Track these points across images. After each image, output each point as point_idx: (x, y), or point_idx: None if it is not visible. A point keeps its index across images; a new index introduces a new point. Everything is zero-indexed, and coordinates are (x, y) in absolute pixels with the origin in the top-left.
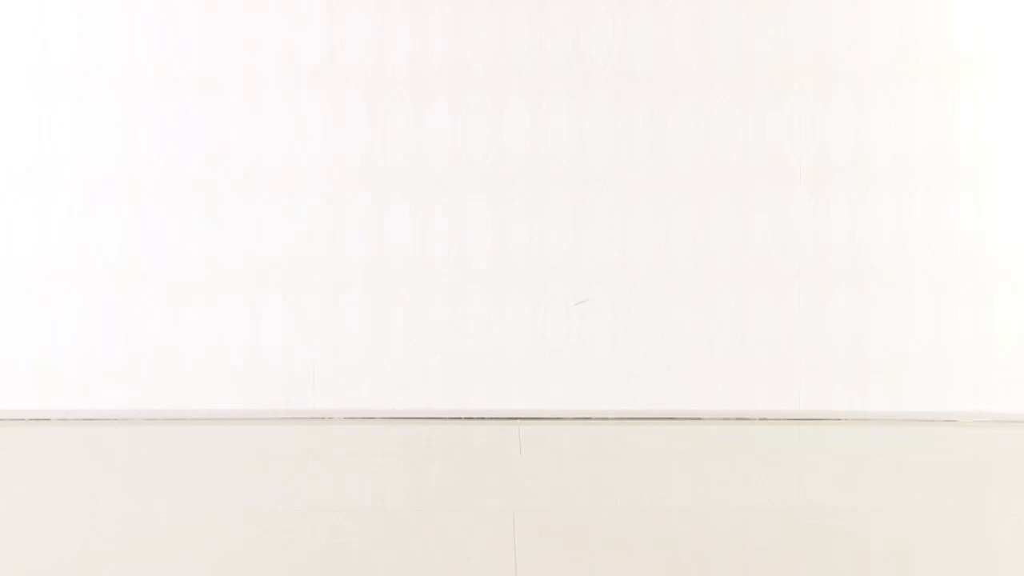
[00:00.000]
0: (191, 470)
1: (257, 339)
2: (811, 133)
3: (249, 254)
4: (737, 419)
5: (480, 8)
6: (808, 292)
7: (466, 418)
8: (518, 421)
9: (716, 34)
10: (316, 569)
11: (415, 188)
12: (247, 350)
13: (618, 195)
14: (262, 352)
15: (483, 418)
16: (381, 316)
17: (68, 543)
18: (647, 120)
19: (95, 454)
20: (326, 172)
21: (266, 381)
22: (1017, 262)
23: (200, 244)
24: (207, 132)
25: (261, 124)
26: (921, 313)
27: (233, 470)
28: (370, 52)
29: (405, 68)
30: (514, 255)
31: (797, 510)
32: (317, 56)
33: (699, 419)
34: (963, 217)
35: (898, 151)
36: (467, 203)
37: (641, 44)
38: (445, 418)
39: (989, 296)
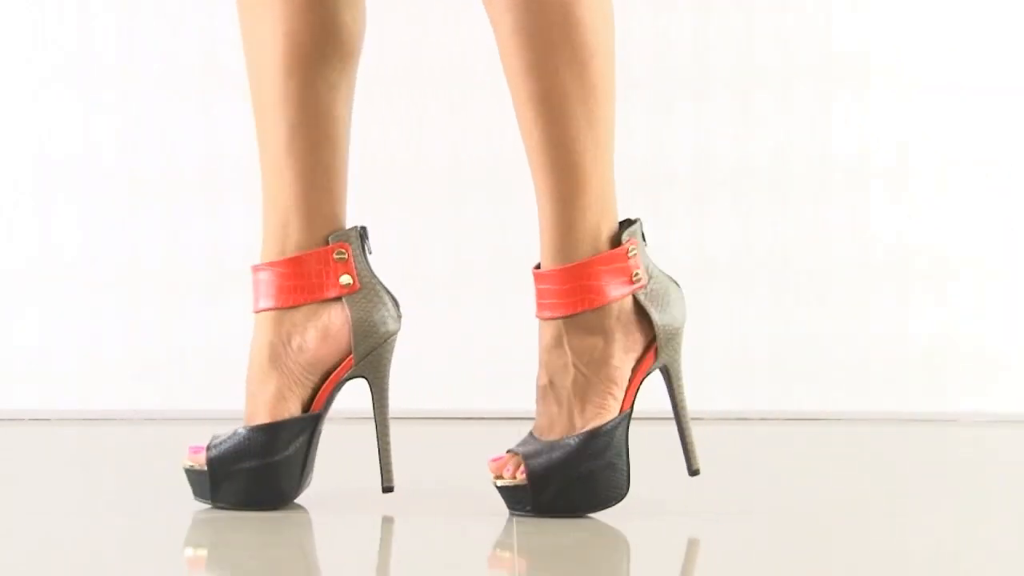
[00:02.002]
0: None
1: None
2: (812, 132)
3: (249, 254)
4: (737, 419)
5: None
6: (808, 292)
7: (466, 418)
8: (518, 421)
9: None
10: (315, 570)
11: (415, 188)
12: (247, 350)
13: (619, 194)
14: None
15: (483, 418)
16: None
17: (68, 543)
18: (646, 120)
19: (95, 454)
20: None
21: None
22: (1017, 261)
23: (200, 244)
24: (207, 132)
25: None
26: (922, 313)
27: None
28: (371, 52)
29: (405, 68)
30: (514, 254)
31: (797, 510)
32: None
33: (699, 419)
34: (962, 217)
35: (898, 150)
36: (467, 203)
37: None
38: (445, 418)
39: (989, 296)
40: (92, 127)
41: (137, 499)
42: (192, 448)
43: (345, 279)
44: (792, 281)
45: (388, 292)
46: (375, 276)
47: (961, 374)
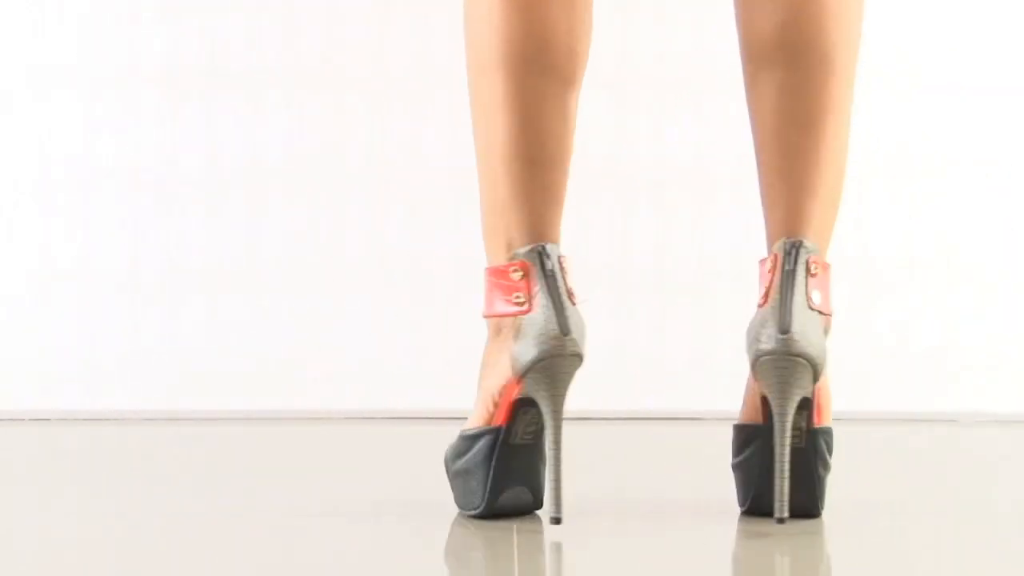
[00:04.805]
0: (191, 470)
1: (257, 339)
2: None
3: (249, 254)
4: None
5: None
6: None
7: (467, 418)
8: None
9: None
10: (315, 571)
11: (414, 188)
12: (247, 350)
13: (619, 194)
14: (262, 352)
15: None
16: (381, 316)
17: (68, 543)
18: (645, 120)
19: (95, 454)
20: (326, 172)
21: (266, 381)
22: (1017, 261)
23: (200, 244)
24: (207, 132)
25: (261, 124)
26: (922, 312)
27: (233, 470)
28: (370, 52)
29: (405, 68)
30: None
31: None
32: (317, 56)
33: (699, 419)
34: (962, 217)
35: (898, 150)
36: (466, 203)
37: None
38: (445, 418)
39: (989, 296)
40: (92, 127)
41: (137, 499)
42: None
43: (518, 298)
44: None
45: (563, 317)
46: (557, 299)
47: (961, 374)
